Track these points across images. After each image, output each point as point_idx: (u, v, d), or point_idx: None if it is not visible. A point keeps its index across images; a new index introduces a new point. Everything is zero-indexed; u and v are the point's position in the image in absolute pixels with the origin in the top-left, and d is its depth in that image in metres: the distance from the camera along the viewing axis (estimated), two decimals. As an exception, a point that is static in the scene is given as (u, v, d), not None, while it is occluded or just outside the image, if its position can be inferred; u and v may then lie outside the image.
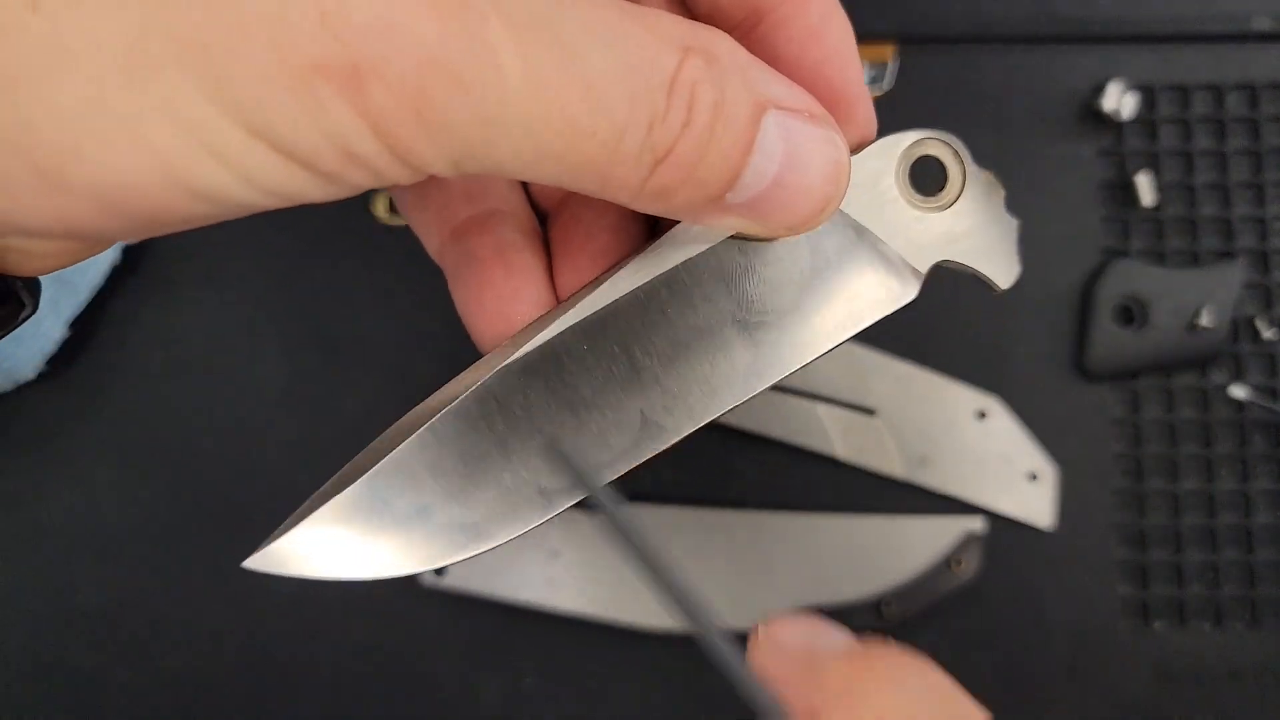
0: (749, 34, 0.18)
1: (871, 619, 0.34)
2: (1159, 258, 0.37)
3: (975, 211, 0.20)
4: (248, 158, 0.14)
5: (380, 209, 0.37)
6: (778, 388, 0.36)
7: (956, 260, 0.20)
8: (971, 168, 0.20)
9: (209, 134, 0.13)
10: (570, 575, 0.35)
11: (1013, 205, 0.20)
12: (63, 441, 0.36)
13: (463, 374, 0.19)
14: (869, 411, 0.36)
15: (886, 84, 0.36)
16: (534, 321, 0.19)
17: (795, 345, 0.19)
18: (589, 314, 0.18)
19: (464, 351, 0.38)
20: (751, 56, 0.16)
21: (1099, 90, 0.36)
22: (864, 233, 0.19)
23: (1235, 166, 0.37)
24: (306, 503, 0.19)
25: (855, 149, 0.19)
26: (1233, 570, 0.36)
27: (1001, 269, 0.20)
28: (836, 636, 0.19)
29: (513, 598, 0.35)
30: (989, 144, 0.37)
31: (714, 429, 0.35)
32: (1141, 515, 0.36)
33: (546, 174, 0.15)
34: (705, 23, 0.17)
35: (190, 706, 0.35)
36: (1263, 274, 0.36)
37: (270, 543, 0.18)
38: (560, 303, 0.20)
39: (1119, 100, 0.36)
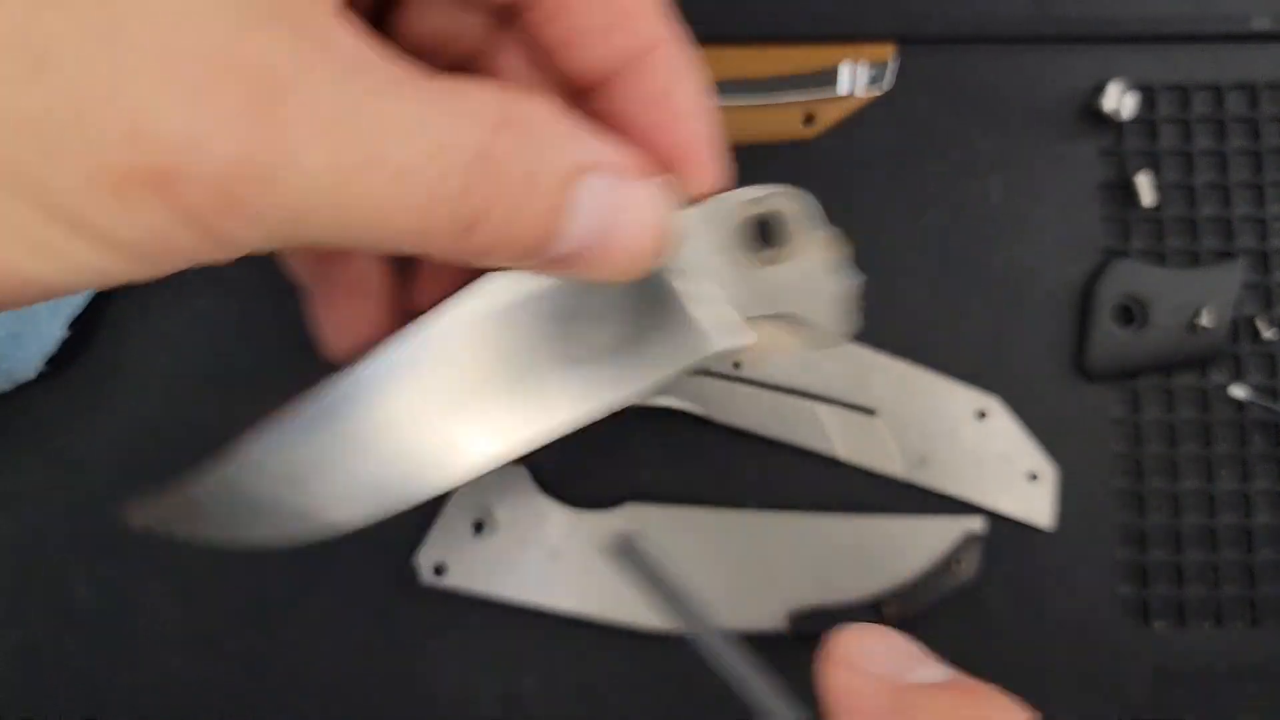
0: (600, 94, 0.19)
1: (871, 618, 0.34)
2: (1159, 258, 0.37)
3: (812, 268, 0.21)
4: (71, 251, 0.14)
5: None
6: (776, 387, 0.36)
7: (788, 314, 0.21)
8: (812, 224, 0.21)
9: (31, 233, 0.14)
10: (570, 576, 0.35)
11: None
12: (63, 441, 0.36)
13: (310, 390, 0.21)
14: (869, 411, 0.36)
15: (886, 84, 0.36)
16: (382, 343, 0.20)
17: (615, 382, 0.20)
18: (414, 340, 0.19)
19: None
20: (572, 122, 0.17)
21: (1099, 90, 0.36)
22: (694, 281, 0.20)
23: (1235, 166, 0.37)
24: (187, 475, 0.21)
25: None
26: (1233, 570, 0.36)
27: (832, 327, 0.22)
28: (931, 667, 0.18)
29: (512, 598, 0.35)
30: (989, 144, 0.37)
31: (713, 428, 0.35)
32: (1141, 515, 0.36)
33: (365, 244, 0.16)
34: (563, 82, 0.19)
35: (188, 706, 0.36)
36: (1263, 274, 0.37)
37: (143, 503, 0.21)
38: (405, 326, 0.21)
39: (1119, 100, 0.36)
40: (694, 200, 0.20)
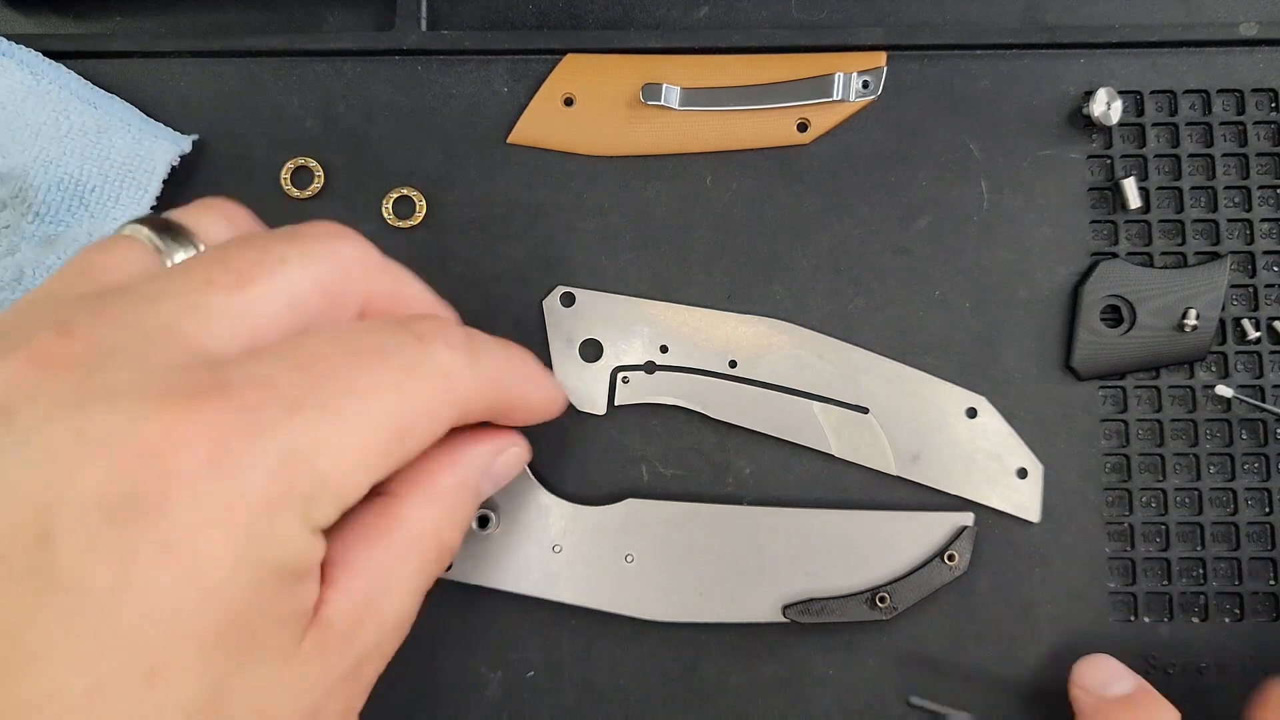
0: None
1: (865, 611, 0.35)
2: (1147, 259, 0.37)
3: None
4: None
5: (388, 211, 0.38)
6: (772, 386, 0.37)
7: None
8: None
9: None
10: (570, 568, 0.36)
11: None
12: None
13: None
14: (862, 410, 0.37)
15: (878, 91, 0.37)
16: None
17: None
18: None
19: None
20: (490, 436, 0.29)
21: (1088, 96, 0.37)
22: None
23: (1223, 169, 0.38)
24: None
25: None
26: (1219, 565, 0.36)
27: None
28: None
29: (515, 590, 0.36)
30: (979, 148, 0.38)
31: (711, 425, 0.36)
32: (1129, 511, 0.37)
33: None
34: None
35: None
36: (1249, 275, 0.37)
37: None
38: None
39: (1107, 105, 0.36)
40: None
